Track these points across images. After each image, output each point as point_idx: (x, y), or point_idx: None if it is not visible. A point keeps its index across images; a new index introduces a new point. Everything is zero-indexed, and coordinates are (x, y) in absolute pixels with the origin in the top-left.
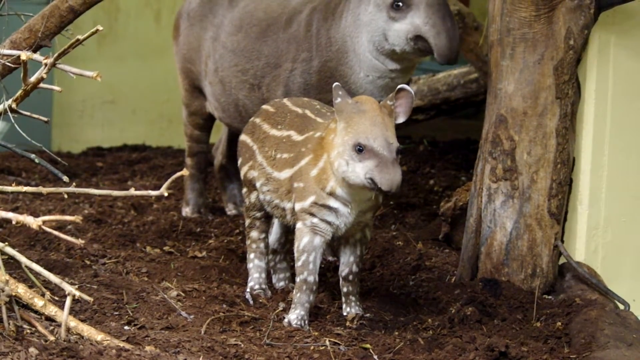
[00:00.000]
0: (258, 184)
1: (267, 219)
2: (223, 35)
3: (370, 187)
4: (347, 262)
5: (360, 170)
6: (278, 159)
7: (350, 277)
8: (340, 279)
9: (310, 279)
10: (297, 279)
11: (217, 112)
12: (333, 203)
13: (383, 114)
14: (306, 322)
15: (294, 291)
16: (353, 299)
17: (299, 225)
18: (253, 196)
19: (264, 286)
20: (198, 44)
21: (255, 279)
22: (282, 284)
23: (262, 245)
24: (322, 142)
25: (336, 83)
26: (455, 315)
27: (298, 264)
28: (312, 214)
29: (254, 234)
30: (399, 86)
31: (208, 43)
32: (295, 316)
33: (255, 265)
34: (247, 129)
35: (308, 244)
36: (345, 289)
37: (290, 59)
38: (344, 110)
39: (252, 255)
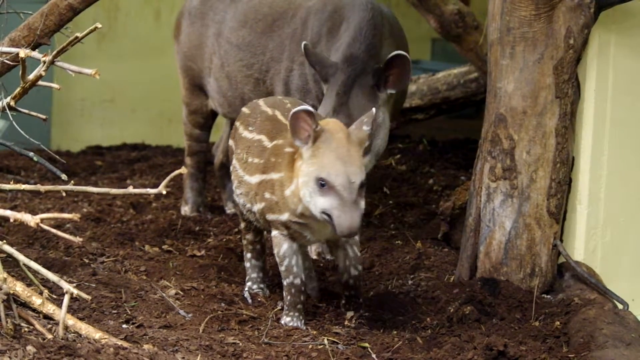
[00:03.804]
0: (233, 187)
1: None
2: (226, 31)
3: (329, 223)
4: (344, 266)
5: (320, 205)
6: (249, 162)
7: (351, 281)
8: (342, 287)
9: (297, 281)
10: (284, 283)
11: (222, 108)
12: (305, 220)
13: (349, 144)
14: (302, 321)
15: (284, 294)
16: (356, 301)
17: (275, 233)
18: None
19: (262, 285)
20: (199, 41)
21: (253, 278)
22: None
23: (258, 246)
24: (293, 163)
25: (304, 107)
26: (454, 315)
27: (282, 268)
28: (288, 227)
29: (250, 236)
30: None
31: (211, 40)
32: (290, 318)
33: (252, 265)
34: (232, 132)
35: (288, 249)
36: (347, 293)
37: (290, 57)
38: (315, 138)
39: (249, 255)
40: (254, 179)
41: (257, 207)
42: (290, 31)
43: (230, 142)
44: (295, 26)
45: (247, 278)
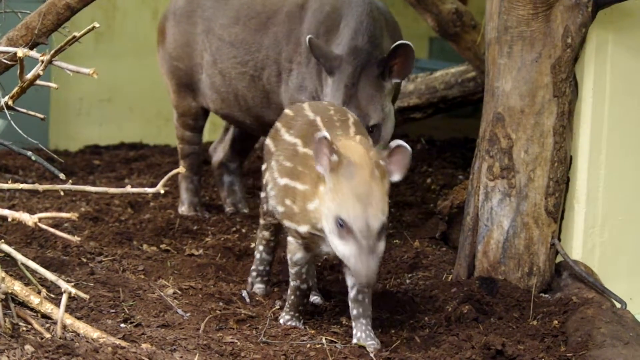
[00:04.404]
0: (268, 188)
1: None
2: (217, 28)
3: (347, 268)
4: (353, 282)
5: (338, 249)
6: (282, 164)
7: (360, 296)
8: (349, 302)
9: (304, 286)
10: (291, 284)
11: (215, 104)
12: (323, 234)
13: (372, 180)
14: (301, 322)
15: (289, 293)
16: (364, 322)
17: (290, 239)
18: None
19: (265, 278)
20: (186, 39)
21: (259, 270)
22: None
23: (272, 244)
24: (319, 179)
25: (323, 134)
26: (452, 314)
27: (292, 271)
28: (304, 237)
29: (266, 233)
30: (394, 142)
31: (201, 37)
32: (289, 317)
33: (262, 258)
34: (270, 132)
35: (301, 259)
36: (355, 312)
37: (288, 58)
38: (334, 168)
39: (261, 248)
40: (282, 181)
41: (280, 209)
42: (286, 30)
43: (268, 141)
44: (292, 26)
45: (252, 268)
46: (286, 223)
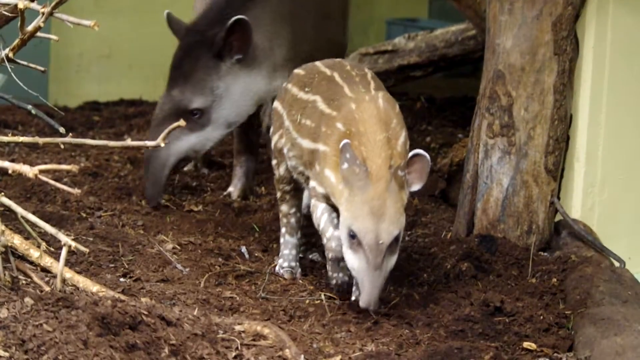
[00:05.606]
0: (285, 150)
1: (298, 191)
2: None
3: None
4: None
5: (347, 257)
6: (302, 124)
7: None
8: None
9: (341, 255)
10: (328, 256)
11: None
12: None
13: (387, 194)
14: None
15: (327, 265)
16: None
17: (313, 201)
18: (282, 168)
19: (293, 263)
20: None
21: (285, 255)
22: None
23: (293, 220)
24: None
25: (345, 141)
26: (451, 271)
27: (324, 241)
28: (326, 198)
29: (284, 207)
30: (413, 151)
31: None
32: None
33: (285, 241)
34: (278, 95)
35: (325, 208)
36: None
37: None
38: (349, 178)
39: (283, 230)
40: (305, 142)
41: (310, 172)
42: None
43: (276, 104)
44: None
45: (279, 254)
46: (311, 183)
